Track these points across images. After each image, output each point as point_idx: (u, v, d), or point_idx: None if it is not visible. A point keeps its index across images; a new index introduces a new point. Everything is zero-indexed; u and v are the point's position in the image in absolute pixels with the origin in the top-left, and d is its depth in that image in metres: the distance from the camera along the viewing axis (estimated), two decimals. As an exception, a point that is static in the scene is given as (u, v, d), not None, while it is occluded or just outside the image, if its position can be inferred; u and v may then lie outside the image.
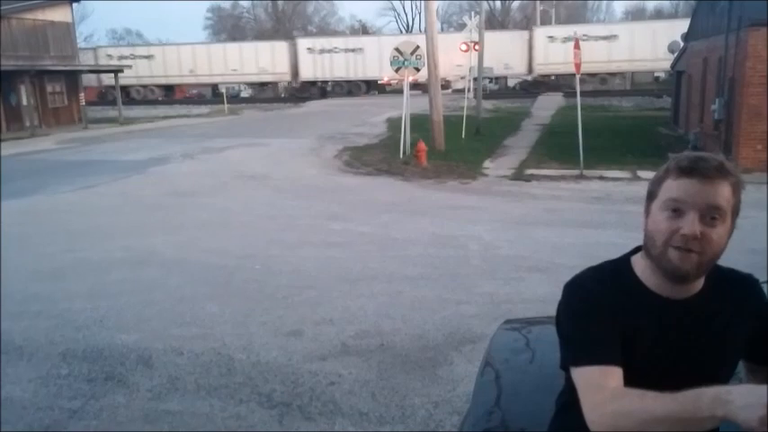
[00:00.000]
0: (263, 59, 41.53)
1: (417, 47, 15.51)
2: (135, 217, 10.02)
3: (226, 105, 33.14)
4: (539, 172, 13.42)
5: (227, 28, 63.13)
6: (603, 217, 9.16)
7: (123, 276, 6.85)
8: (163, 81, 43.51)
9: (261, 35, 54.11)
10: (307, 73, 41.78)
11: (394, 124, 20.74)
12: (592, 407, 1.25)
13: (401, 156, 15.26)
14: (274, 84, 44.38)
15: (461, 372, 4.35)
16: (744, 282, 1.46)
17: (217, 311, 5.73)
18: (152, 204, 10.97)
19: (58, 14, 28.15)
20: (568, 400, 1.48)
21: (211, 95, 42.42)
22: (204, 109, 34.94)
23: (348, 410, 3.90)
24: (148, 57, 42.70)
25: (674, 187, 1.30)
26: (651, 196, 1.36)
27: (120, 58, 40.70)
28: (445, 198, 11.33)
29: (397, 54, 15.52)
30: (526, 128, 21.72)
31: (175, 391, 4.24)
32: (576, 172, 12.73)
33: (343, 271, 6.92)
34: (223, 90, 34.99)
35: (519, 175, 13.18)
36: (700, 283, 1.38)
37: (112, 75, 31.15)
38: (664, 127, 20.56)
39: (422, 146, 14.38)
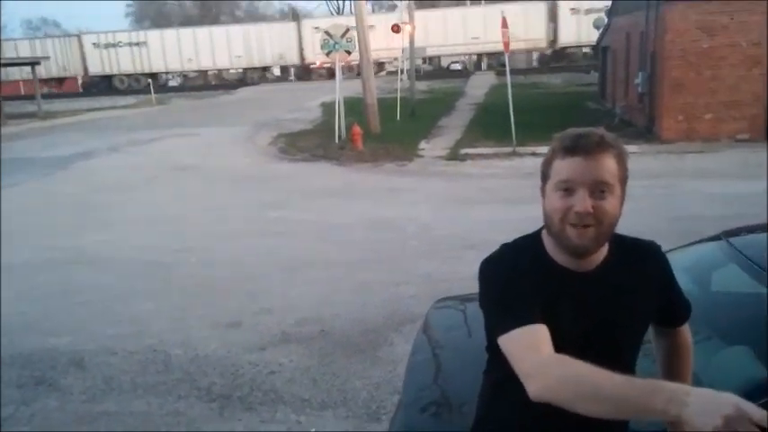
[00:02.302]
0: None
1: (347, 29, 15.39)
2: (60, 215, 9.59)
3: (153, 95, 32.01)
4: (473, 151, 13.63)
5: (151, 15, 60.76)
6: (537, 192, 9.38)
7: (51, 278, 6.56)
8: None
9: (186, 22, 52.32)
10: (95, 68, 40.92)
11: (328, 109, 20.57)
12: (531, 367, 1.23)
13: (337, 140, 15.19)
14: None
15: (401, 351, 4.38)
16: (646, 249, 1.50)
17: (152, 308, 5.58)
18: (78, 202, 10.52)
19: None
20: (496, 378, 1.50)
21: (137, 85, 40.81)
22: (130, 99, 33.65)
23: (289, 398, 3.89)
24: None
25: (561, 167, 1.34)
26: (544, 177, 1.40)
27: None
28: (382, 181, 11.37)
29: (327, 37, 15.35)
30: (460, 107, 21.97)
31: (110, 392, 4.11)
32: (509, 149, 13.00)
33: (282, 259, 6.86)
34: (149, 80, 33.71)
35: (454, 155, 13.34)
36: (602, 254, 1.41)
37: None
38: (592, 101, 21.21)
39: (357, 129, 14.35)
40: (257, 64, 41.26)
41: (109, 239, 8.00)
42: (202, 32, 40.88)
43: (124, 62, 40.97)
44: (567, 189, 1.32)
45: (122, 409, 3.88)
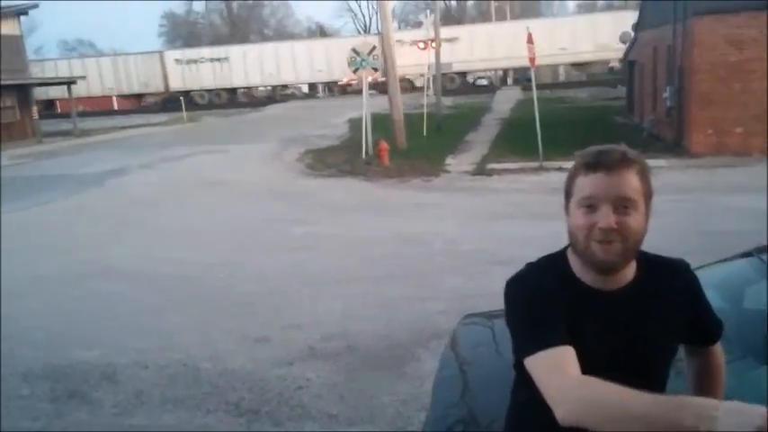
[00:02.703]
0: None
1: (374, 47, 15.56)
2: (93, 231, 9.81)
3: (185, 113, 32.66)
4: (500, 166, 13.59)
5: (183, 35, 62.16)
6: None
7: (83, 292, 6.71)
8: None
9: (217, 40, 53.39)
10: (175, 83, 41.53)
11: (355, 125, 20.74)
12: (557, 391, 1.22)
13: (363, 156, 15.28)
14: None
15: (429, 368, 4.37)
16: (675, 268, 1.49)
17: (181, 322, 5.66)
18: (110, 217, 10.75)
19: (6, 27, 27.30)
20: (523, 397, 1.50)
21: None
22: (162, 117, 34.37)
23: (317, 414, 3.91)
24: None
25: (584, 184, 1.34)
26: (568, 195, 1.39)
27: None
28: (408, 196, 11.40)
29: (354, 55, 15.52)
30: (486, 122, 21.96)
31: (141, 405, 4.18)
32: (535, 164, 12.93)
33: (309, 274, 6.91)
34: (181, 98, 34.42)
35: (480, 170, 13.32)
36: (631, 273, 1.40)
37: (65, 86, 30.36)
38: (619, 116, 21.02)
39: (384, 145, 14.43)
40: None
41: (139, 254, 8.16)
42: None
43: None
44: (591, 206, 1.32)
45: (152, 423, 3.94)
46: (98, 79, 41.76)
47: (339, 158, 15.86)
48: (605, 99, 27.38)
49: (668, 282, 1.44)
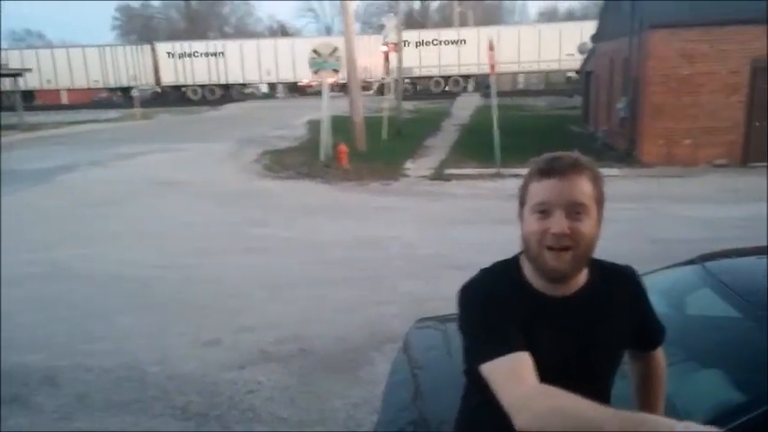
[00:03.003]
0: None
1: (335, 48, 15.49)
2: (40, 229, 9.47)
3: (138, 109, 31.88)
4: (458, 171, 13.71)
5: (138, 29, 60.73)
6: (519, 213, 9.46)
7: (28, 293, 6.45)
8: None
9: (173, 35, 52.34)
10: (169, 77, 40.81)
11: (315, 127, 20.63)
12: (516, 399, 1.21)
13: (322, 158, 15.20)
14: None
15: (383, 371, 4.34)
16: (623, 273, 1.51)
17: (130, 325, 5.51)
18: (59, 215, 10.40)
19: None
20: (474, 402, 1.50)
21: (123, 99, 40.61)
22: (114, 113, 33.49)
23: (267, 417, 3.85)
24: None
25: (537, 190, 1.35)
26: (521, 201, 1.41)
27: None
28: (367, 200, 11.38)
29: (315, 56, 15.43)
30: (446, 128, 22.15)
31: (84, 410, 4.04)
32: (493, 170, 13.09)
33: (264, 277, 6.82)
34: (135, 93, 33.50)
35: (439, 175, 13.41)
36: (582, 279, 1.42)
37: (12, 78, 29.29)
38: (575, 125, 21.49)
39: (343, 148, 14.38)
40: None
41: (88, 254, 7.91)
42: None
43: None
44: (544, 211, 1.33)
45: (95, 427, 3.81)
46: (83, 71, 40.43)
47: (297, 160, 15.74)
48: (562, 108, 27.97)
49: (618, 287, 1.47)
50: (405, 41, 27.82)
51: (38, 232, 9.26)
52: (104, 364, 4.68)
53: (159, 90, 42.22)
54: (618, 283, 1.47)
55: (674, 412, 1.96)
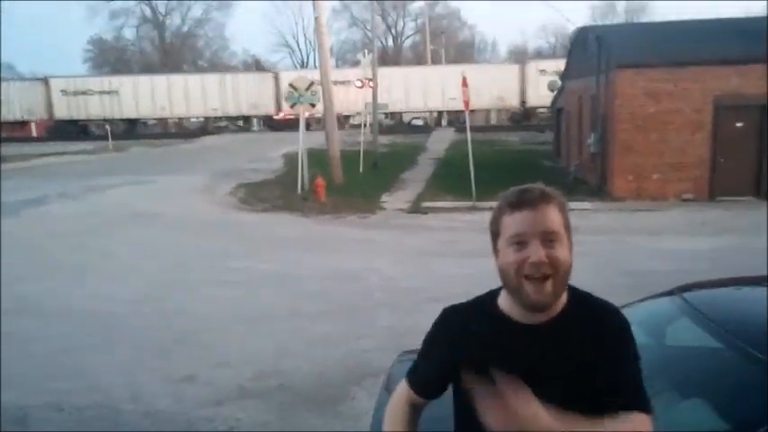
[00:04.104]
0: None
1: (312, 83, 15.67)
2: (7, 263, 9.23)
3: (110, 142, 31.59)
4: (434, 204, 13.84)
5: (111, 61, 60.49)
6: (495, 246, 9.56)
7: (-5, 328, 6.26)
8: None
9: (148, 68, 52.25)
10: (61, 112, 40.61)
11: (291, 160, 20.67)
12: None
13: (299, 191, 15.22)
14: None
15: (363, 406, 4.33)
16: (603, 309, 1.47)
17: (102, 361, 5.38)
18: (27, 249, 10.18)
19: None
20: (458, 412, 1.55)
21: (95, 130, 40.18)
22: (87, 145, 33.10)
23: (246, 455, 3.77)
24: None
25: (510, 222, 1.39)
26: (495, 235, 1.44)
27: None
28: (344, 233, 11.39)
29: (291, 90, 15.57)
30: (422, 162, 22.39)
31: (55, 451, 3.91)
32: (469, 203, 13.24)
33: (241, 310, 6.74)
34: (107, 126, 33.29)
35: (416, 208, 13.51)
36: (558, 307, 1.42)
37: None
38: (547, 160, 21.92)
39: (320, 181, 14.42)
40: (224, 113, 41.33)
41: (58, 289, 7.74)
42: (163, 80, 40.84)
43: (94, 108, 40.53)
44: (520, 242, 1.36)
45: (68, 469, 3.69)
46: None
47: (274, 193, 15.71)
48: (534, 143, 28.51)
49: (589, 320, 1.43)
50: (378, 78, 28.28)
51: (5, 266, 9.02)
52: (77, 402, 4.55)
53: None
54: (591, 316, 1.43)
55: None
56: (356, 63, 37.97)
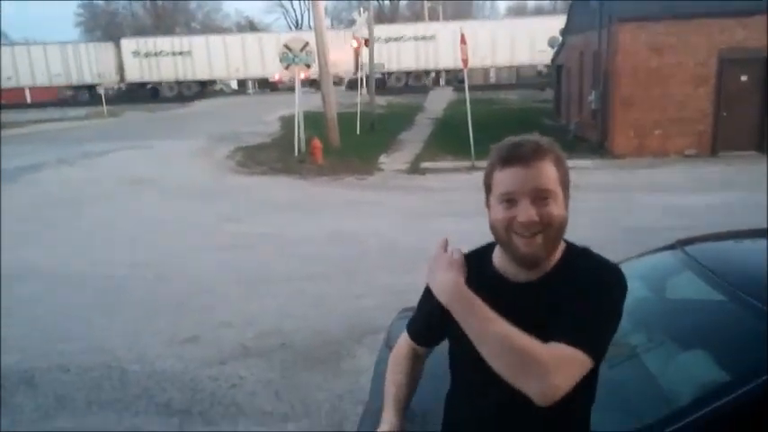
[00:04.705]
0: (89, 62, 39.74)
1: (306, 43, 15.40)
2: (8, 229, 9.23)
3: (105, 107, 31.26)
4: (433, 165, 13.77)
5: (102, 25, 59.37)
6: (494, 205, 9.55)
7: (-2, 293, 6.30)
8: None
9: (139, 32, 51.29)
10: (133, 75, 40.18)
11: (287, 122, 20.49)
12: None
13: (296, 154, 15.13)
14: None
15: (364, 363, 4.37)
16: (597, 265, 1.37)
17: (106, 324, 5.42)
18: (27, 215, 10.16)
19: None
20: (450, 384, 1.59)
21: (88, 97, 39.68)
22: (80, 111, 32.77)
23: (251, 411, 3.83)
24: None
25: (501, 179, 1.33)
26: (487, 189, 1.39)
27: None
28: (342, 194, 11.36)
29: (286, 51, 15.32)
30: (420, 122, 22.20)
31: (63, 409, 3.97)
32: (468, 163, 13.17)
33: (241, 273, 6.77)
34: (101, 91, 32.82)
35: (414, 169, 13.45)
36: (551, 263, 1.37)
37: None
38: (547, 118, 21.73)
39: (317, 143, 14.32)
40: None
41: (59, 253, 7.76)
42: (237, 40, 40.06)
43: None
44: (510, 200, 1.32)
45: (77, 426, 3.75)
46: (45, 69, 39.17)
47: (271, 156, 15.62)
48: (534, 101, 28.25)
49: (588, 273, 1.34)
50: (376, 37, 27.82)
51: (5, 232, 9.02)
52: (82, 363, 4.59)
53: (124, 87, 41.36)
54: (588, 273, 1.34)
55: (660, 392, 2.01)
56: (351, 22, 37.36)
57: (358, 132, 18.53)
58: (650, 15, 13.02)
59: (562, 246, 1.40)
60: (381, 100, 27.81)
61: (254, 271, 6.83)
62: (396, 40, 37.26)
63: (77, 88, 40.99)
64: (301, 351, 4.72)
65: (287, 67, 15.73)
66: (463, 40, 13.49)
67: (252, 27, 58.11)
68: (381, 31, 34.02)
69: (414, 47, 37.85)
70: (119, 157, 16.43)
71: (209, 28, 56.07)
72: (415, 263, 6.77)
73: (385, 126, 20.16)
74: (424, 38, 37.74)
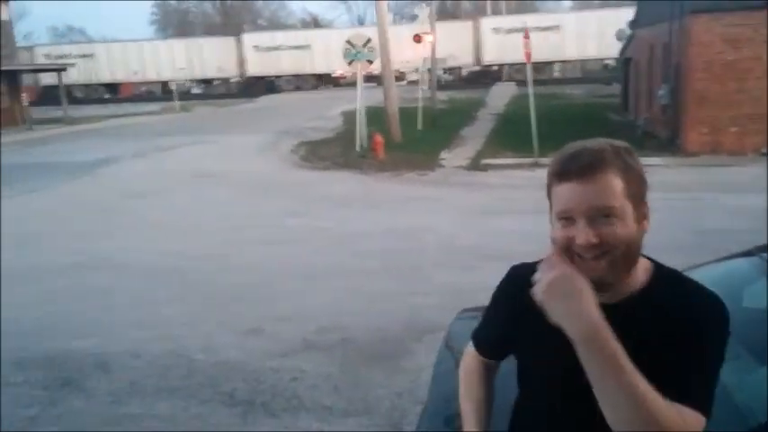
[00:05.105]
0: (210, 56, 40.82)
1: (369, 39, 15.49)
2: (85, 220, 9.74)
3: (177, 102, 32.44)
4: (494, 161, 13.60)
5: (174, 23, 61.59)
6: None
7: (75, 282, 6.66)
8: (108, 79, 42.35)
9: (209, 30, 52.94)
10: (254, 69, 41.14)
11: (349, 118, 20.68)
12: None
13: (358, 149, 15.25)
14: (225, 80, 43.63)
15: (423, 361, 4.37)
16: (694, 293, 1.20)
17: (173, 313, 5.63)
18: (102, 207, 10.67)
19: (-5, 13, 27.05)
20: (519, 405, 1.49)
21: (161, 92, 41.32)
22: (154, 107, 34.13)
23: (311, 405, 3.90)
24: (89, 55, 41.37)
25: (558, 195, 1.19)
26: (550, 204, 1.25)
27: (59, 57, 39.28)
28: (403, 190, 11.38)
29: (349, 47, 15.45)
30: (481, 117, 21.96)
31: (135, 394, 4.16)
32: (530, 160, 12.93)
33: (301, 267, 6.89)
34: (173, 87, 34.12)
35: (475, 165, 13.32)
36: (634, 286, 1.22)
37: (54, 74, 30.09)
38: (614, 113, 21.07)
39: (378, 138, 14.39)
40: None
41: (131, 245, 8.11)
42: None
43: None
44: (568, 218, 1.17)
45: (147, 412, 3.92)
46: (170, 63, 40.73)
47: (333, 151, 15.81)
48: (600, 96, 27.44)
49: (683, 302, 1.18)
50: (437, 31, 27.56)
51: (82, 223, 9.52)
52: (152, 350, 4.80)
53: (241, 81, 42.40)
54: (683, 302, 1.17)
55: (734, 409, 1.92)
56: (413, 17, 37.23)
57: (419, 127, 18.50)
58: (725, 6, 12.39)
59: (647, 265, 1.25)
60: (443, 95, 27.65)
61: (314, 265, 6.94)
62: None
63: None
64: (361, 347, 4.76)
65: (350, 63, 15.87)
66: (526, 35, 13.24)
67: (316, 24, 58.86)
68: (444, 26, 33.74)
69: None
70: (188, 152, 17.02)
71: (275, 25, 57.23)
72: (475, 261, 6.73)
73: (446, 121, 20.05)
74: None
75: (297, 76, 41.21)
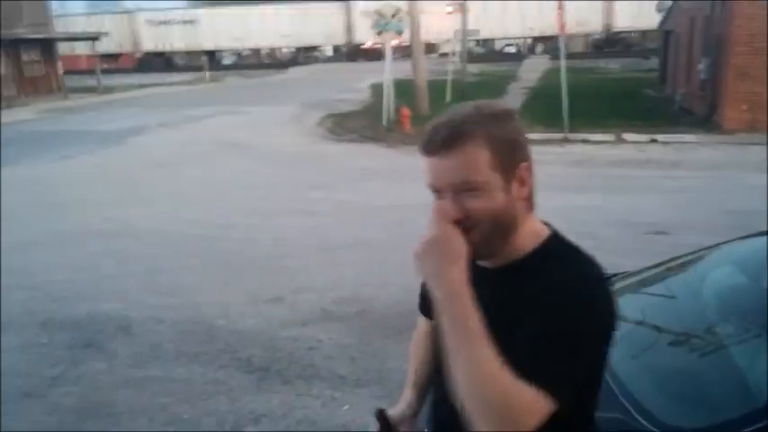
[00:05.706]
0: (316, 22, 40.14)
1: (399, 9, 15.25)
2: (113, 188, 9.90)
3: (207, 73, 32.61)
4: (523, 136, 13.36)
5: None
6: (585, 180, 9.18)
7: (101, 248, 6.79)
8: (210, 47, 41.86)
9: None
10: (361, 36, 39.57)
11: (378, 90, 20.52)
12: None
13: (384, 122, 15.14)
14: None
15: (440, 335, 4.37)
16: (572, 264, 1.13)
17: (195, 281, 5.71)
18: (131, 175, 10.85)
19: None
20: None
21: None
22: (186, 77, 34.38)
23: (327, 374, 3.93)
24: (191, 21, 41.08)
25: (425, 169, 1.15)
26: None
27: (162, 22, 39.36)
28: (429, 163, 11.26)
29: (378, 17, 15.25)
30: (512, 91, 21.59)
31: (156, 358, 4.25)
32: (560, 135, 12.70)
33: (324, 239, 6.91)
34: (204, 57, 34.34)
35: (503, 140, 13.11)
36: (523, 251, 1.17)
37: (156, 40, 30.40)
38: (651, 88, 20.51)
39: (405, 111, 14.26)
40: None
41: (157, 213, 8.22)
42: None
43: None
44: (437, 191, 1.14)
45: (166, 375, 4.00)
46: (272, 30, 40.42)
47: (360, 123, 15.74)
48: (637, 71, 26.73)
49: (554, 271, 1.10)
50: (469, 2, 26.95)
51: (110, 191, 9.68)
52: (174, 316, 4.89)
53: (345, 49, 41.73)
54: (554, 271, 1.10)
55: (746, 388, 1.86)
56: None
57: (448, 100, 18.26)
58: (773, -24, 11.86)
59: (541, 232, 1.20)
60: (474, 68, 27.23)
61: (337, 237, 6.95)
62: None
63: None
64: (379, 319, 4.77)
65: (378, 34, 15.68)
66: (560, 6, 12.88)
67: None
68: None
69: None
70: (216, 122, 17.13)
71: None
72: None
73: (476, 95, 19.69)
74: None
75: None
